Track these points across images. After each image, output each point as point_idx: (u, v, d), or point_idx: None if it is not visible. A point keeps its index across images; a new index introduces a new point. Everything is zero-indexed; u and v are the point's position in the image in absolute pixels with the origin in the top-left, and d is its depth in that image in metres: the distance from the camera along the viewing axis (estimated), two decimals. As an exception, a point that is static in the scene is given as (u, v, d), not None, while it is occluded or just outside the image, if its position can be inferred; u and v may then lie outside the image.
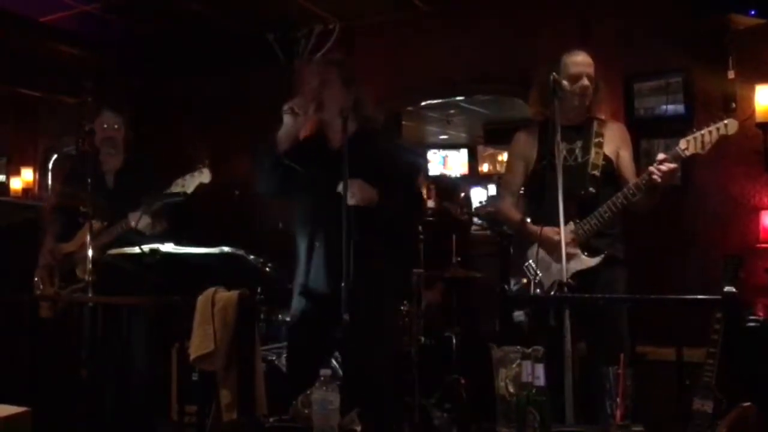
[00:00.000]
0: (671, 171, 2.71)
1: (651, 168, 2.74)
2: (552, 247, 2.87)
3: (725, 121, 2.68)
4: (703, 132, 2.70)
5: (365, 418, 2.08)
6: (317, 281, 2.81)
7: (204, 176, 3.27)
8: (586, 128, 3.02)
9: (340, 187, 2.62)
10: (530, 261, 2.98)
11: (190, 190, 3.26)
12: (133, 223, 3.27)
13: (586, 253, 2.88)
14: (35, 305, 3.48)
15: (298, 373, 2.77)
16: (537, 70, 3.04)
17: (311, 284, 2.82)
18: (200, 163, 3.29)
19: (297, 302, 2.91)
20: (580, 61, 2.98)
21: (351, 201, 2.63)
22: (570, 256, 2.82)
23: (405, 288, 3.76)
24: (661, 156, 2.76)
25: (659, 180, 2.71)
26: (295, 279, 2.90)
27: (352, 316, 2.49)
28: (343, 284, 2.51)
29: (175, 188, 3.27)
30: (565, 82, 2.85)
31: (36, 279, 3.55)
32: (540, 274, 2.93)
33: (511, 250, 3.20)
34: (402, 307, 3.87)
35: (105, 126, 3.56)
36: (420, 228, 3.97)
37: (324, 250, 2.80)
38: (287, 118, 2.84)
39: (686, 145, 2.72)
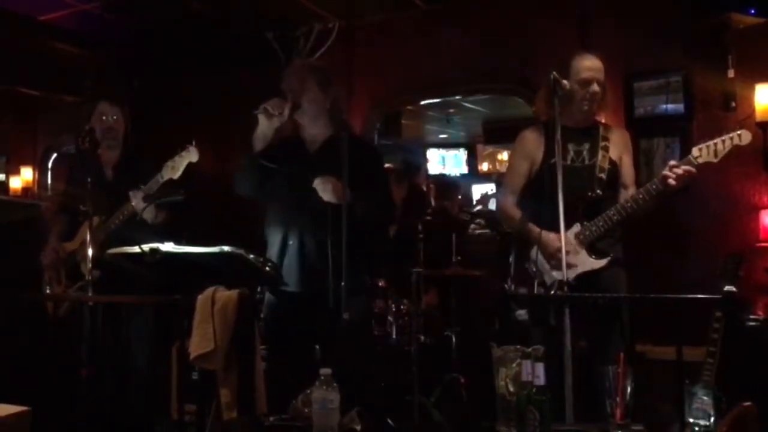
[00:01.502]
0: (687, 174, 2.73)
1: (666, 172, 2.76)
2: (550, 254, 2.89)
3: (739, 132, 2.71)
4: (716, 141, 2.72)
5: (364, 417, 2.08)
6: (290, 279, 2.88)
7: (192, 155, 3.28)
8: (593, 131, 3.04)
9: (316, 183, 2.75)
10: (531, 262, 2.99)
11: (179, 172, 3.27)
12: (134, 202, 3.27)
13: (593, 256, 2.89)
14: (39, 305, 3.48)
15: (277, 369, 2.85)
16: (547, 71, 3.03)
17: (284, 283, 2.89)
18: (188, 143, 3.29)
19: (269, 299, 3.00)
20: (590, 66, 2.99)
21: (326, 197, 2.74)
22: (575, 258, 2.84)
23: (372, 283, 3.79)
24: (672, 163, 2.78)
25: (674, 183, 2.73)
26: None
27: (331, 313, 2.58)
28: (342, 283, 2.56)
29: (166, 171, 3.28)
30: (565, 82, 2.85)
31: (46, 280, 3.55)
32: (543, 274, 2.94)
33: (512, 252, 3.20)
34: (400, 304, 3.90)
35: (104, 118, 3.56)
36: (420, 227, 3.98)
37: (297, 249, 2.88)
38: (261, 119, 2.90)
39: (699, 153, 2.74)
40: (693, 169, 2.74)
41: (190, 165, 3.27)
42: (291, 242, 2.91)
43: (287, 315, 2.94)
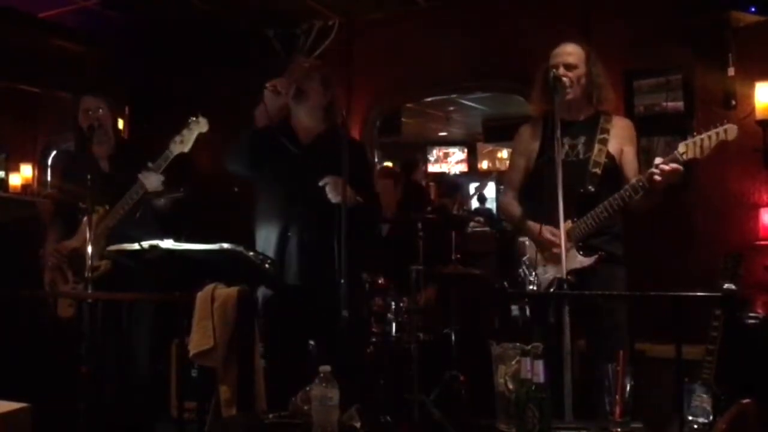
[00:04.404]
0: (673, 171, 2.68)
1: (652, 169, 2.72)
2: (544, 249, 2.89)
3: (725, 127, 2.65)
4: (702, 137, 2.66)
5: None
6: (289, 272, 2.89)
7: (201, 125, 3.26)
8: (592, 123, 2.99)
9: (323, 182, 2.77)
10: (526, 258, 3.00)
11: (189, 145, 3.25)
12: (147, 183, 3.24)
13: (581, 253, 2.87)
14: (38, 302, 3.48)
15: (274, 363, 2.84)
16: (538, 67, 3.04)
17: (284, 275, 2.89)
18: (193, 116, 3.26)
19: (265, 293, 2.98)
20: (558, 51, 2.99)
21: (335, 199, 2.74)
22: (565, 255, 2.83)
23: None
24: (658, 160, 2.74)
25: (660, 179, 2.68)
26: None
27: (329, 307, 2.57)
28: (342, 281, 2.55)
29: (174, 147, 3.26)
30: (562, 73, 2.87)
31: (48, 281, 3.52)
32: (537, 271, 2.94)
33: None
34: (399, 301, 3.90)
35: (90, 112, 3.54)
36: (420, 225, 3.97)
37: (297, 241, 2.89)
38: (268, 96, 2.93)
39: (685, 149, 2.68)
40: (679, 167, 2.68)
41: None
42: (290, 235, 2.91)
43: (285, 308, 2.92)
